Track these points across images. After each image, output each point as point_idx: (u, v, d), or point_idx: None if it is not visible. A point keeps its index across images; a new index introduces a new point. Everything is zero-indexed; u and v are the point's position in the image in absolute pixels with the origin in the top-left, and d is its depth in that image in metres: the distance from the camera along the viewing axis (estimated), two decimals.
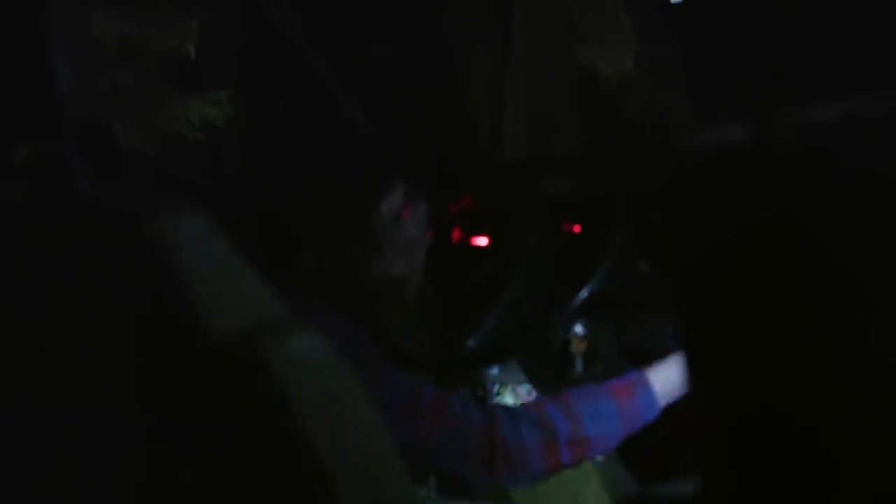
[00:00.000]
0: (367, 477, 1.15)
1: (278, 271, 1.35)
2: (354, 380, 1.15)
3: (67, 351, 1.19)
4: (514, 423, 1.74)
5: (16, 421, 1.24)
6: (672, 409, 1.85)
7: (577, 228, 2.18)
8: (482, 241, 2.22)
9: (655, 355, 2.01)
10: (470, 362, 2.12)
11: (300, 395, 1.09)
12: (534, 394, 2.33)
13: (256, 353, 1.08)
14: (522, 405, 2.06)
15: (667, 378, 1.83)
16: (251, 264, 1.14)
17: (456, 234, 2.26)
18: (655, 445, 2.10)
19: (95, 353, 1.17)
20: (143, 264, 1.11)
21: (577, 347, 2.14)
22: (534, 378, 2.26)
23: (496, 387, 2.38)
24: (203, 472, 1.15)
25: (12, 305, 1.21)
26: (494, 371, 2.33)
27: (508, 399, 2.38)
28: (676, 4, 2.61)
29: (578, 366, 2.14)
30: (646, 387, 1.82)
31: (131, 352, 1.14)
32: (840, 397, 0.79)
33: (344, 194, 1.76)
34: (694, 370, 0.89)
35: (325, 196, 1.75)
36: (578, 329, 2.14)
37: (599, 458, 2.22)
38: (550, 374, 2.18)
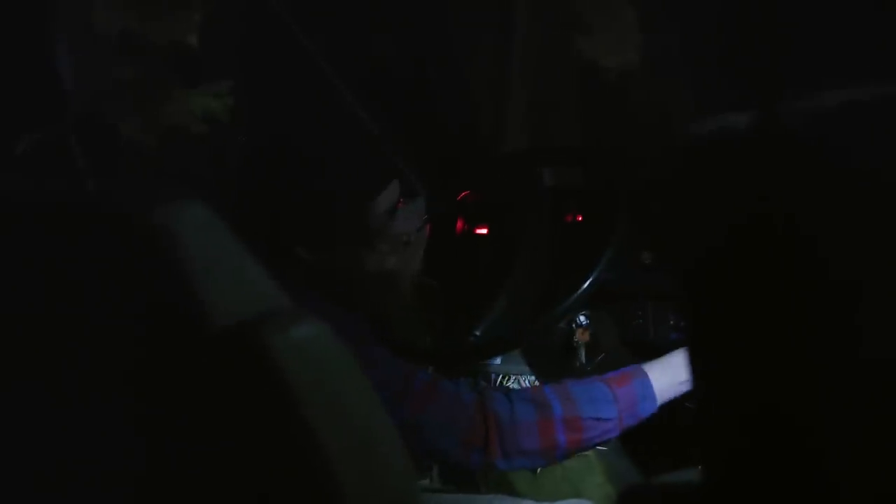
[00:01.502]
0: (369, 465, 1.15)
1: (273, 262, 1.35)
2: (356, 368, 1.16)
3: (69, 342, 1.19)
4: (507, 401, 1.74)
5: (17, 413, 1.25)
6: (675, 400, 1.86)
7: (579, 219, 2.18)
8: (485, 231, 2.23)
9: (657, 346, 2.02)
10: (474, 353, 2.12)
11: (302, 383, 1.09)
12: (537, 384, 2.33)
13: (258, 341, 1.08)
14: (524, 389, 2.07)
15: (665, 372, 1.83)
16: (251, 254, 1.15)
17: (459, 226, 2.27)
18: (659, 437, 2.11)
19: (97, 344, 1.17)
20: (144, 254, 1.11)
21: (581, 338, 2.14)
22: (537, 368, 2.26)
23: (499, 377, 2.38)
24: (205, 461, 1.15)
25: (14, 296, 1.21)
26: (497, 362, 2.34)
27: None
28: None
29: (581, 356, 2.14)
30: (641, 377, 1.82)
31: (133, 341, 1.14)
32: (840, 389, 0.79)
33: (338, 190, 1.76)
34: (696, 360, 0.89)
35: (319, 191, 1.75)
36: (581, 319, 2.14)
37: (603, 448, 2.23)
38: (554, 364, 2.18)
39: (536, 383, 2.32)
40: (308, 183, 1.75)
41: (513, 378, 2.37)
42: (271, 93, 2.69)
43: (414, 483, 1.29)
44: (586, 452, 2.27)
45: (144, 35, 2.53)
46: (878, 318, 0.78)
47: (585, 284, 1.95)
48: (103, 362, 1.17)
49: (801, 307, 0.79)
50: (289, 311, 1.14)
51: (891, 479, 0.78)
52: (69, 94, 2.48)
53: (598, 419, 1.77)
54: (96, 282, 1.16)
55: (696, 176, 0.85)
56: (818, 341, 0.79)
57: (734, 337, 0.83)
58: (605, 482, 2.33)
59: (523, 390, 1.84)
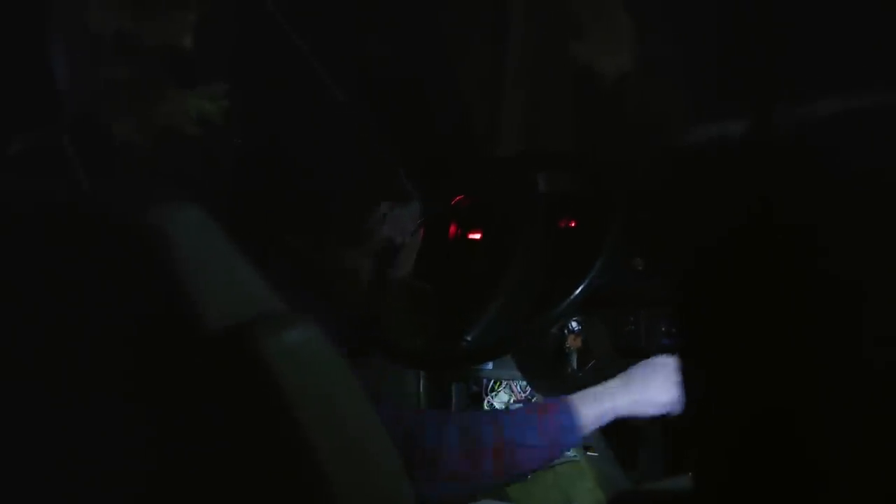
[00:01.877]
0: (361, 467, 1.15)
1: (263, 262, 1.35)
2: (348, 370, 1.16)
3: (62, 343, 1.19)
4: (437, 425, 1.75)
5: (12, 413, 1.24)
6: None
7: (573, 224, 2.18)
8: (478, 236, 2.23)
9: (648, 352, 2.02)
10: (466, 358, 2.12)
11: (294, 385, 1.09)
12: (528, 390, 2.33)
13: (251, 343, 1.08)
14: (454, 413, 2.07)
15: (595, 401, 1.84)
16: (244, 256, 1.15)
17: (452, 231, 2.27)
18: (650, 444, 2.11)
19: (91, 345, 1.17)
20: (138, 256, 1.11)
21: (573, 344, 2.14)
22: (528, 374, 2.26)
23: (491, 382, 2.39)
24: (198, 462, 1.15)
25: (8, 296, 1.21)
26: (489, 367, 2.34)
27: (503, 395, 2.38)
28: None
29: (573, 362, 2.14)
30: (567, 409, 1.83)
31: (126, 344, 1.14)
32: (836, 395, 0.79)
33: (331, 190, 1.77)
34: (692, 365, 0.89)
35: (313, 192, 1.76)
36: (573, 325, 2.14)
37: (593, 454, 2.23)
38: (545, 370, 2.18)
39: (528, 389, 2.32)
40: (302, 183, 1.76)
41: (504, 383, 2.37)
42: (266, 94, 2.69)
43: (406, 485, 1.29)
44: (577, 458, 2.28)
45: (139, 35, 2.53)
46: (877, 320, 0.78)
47: (578, 290, 1.95)
48: (97, 363, 1.17)
49: (800, 310, 0.79)
50: (281, 314, 1.14)
51: (891, 479, 0.79)
52: (63, 95, 2.47)
53: (523, 446, 1.78)
54: (90, 283, 1.16)
55: (692, 183, 0.85)
56: (818, 344, 0.79)
57: (733, 340, 0.83)
58: (595, 488, 2.32)
59: (460, 415, 1.84)
